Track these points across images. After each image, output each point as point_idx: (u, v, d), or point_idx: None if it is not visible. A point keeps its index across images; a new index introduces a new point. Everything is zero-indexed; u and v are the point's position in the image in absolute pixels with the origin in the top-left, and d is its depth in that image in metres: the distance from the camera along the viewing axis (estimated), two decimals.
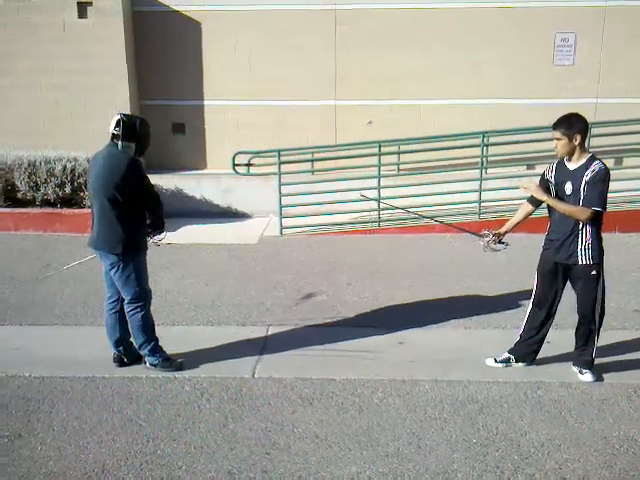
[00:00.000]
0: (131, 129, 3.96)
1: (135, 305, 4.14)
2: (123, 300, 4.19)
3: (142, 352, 4.27)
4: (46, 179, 7.81)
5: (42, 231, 7.74)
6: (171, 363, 4.27)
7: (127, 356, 4.32)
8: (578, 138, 3.81)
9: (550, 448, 3.38)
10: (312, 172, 8.38)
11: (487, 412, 3.73)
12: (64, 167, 7.84)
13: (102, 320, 5.04)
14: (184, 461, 3.29)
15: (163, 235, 4.25)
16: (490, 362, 4.29)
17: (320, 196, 7.83)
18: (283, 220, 7.79)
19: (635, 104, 8.50)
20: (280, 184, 7.71)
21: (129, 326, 4.25)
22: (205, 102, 9.02)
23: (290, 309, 5.32)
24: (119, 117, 3.97)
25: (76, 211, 7.79)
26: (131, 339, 4.31)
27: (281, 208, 7.76)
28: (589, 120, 3.99)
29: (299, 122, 8.81)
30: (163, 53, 8.87)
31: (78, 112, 8.64)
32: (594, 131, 7.55)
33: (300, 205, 7.80)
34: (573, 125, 3.82)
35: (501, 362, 4.26)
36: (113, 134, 3.98)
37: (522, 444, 3.42)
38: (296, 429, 3.57)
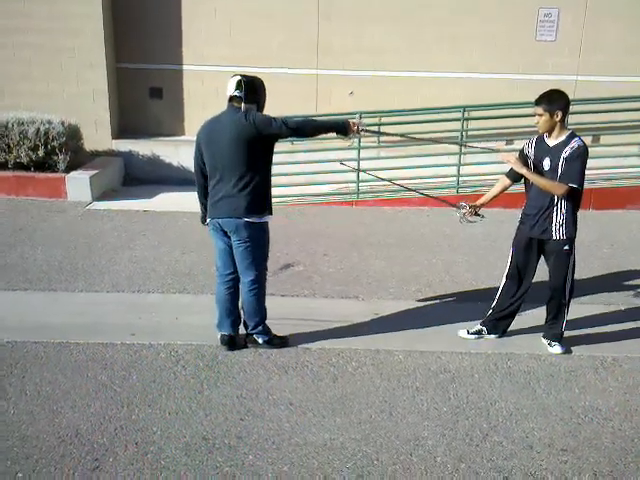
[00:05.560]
0: (253, 90, 3.66)
1: (258, 284, 3.91)
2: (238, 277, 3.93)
3: (254, 331, 4.04)
4: (19, 142, 7.61)
5: (14, 195, 7.57)
6: (280, 339, 4.12)
7: (237, 337, 4.06)
8: (559, 114, 3.83)
9: (518, 417, 3.48)
10: (291, 142, 8.30)
11: (458, 382, 3.81)
12: (37, 130, 7.63)
13: (75, 285, 5.04)
14: (159, 426, 3.30)
15: (351, 135, 3.97)
16: (463, 333, 4.37)
17: (299, 166, 7.79)
18: None
19: (614, 82, 8.55)
20: None
21: (242, 305, 4.00)
22: (184, 67, 8.82)
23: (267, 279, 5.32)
24: (239, 78, 3.65)
25: (50, 175, 7.62)
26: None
27: None
28: (569, 97, 4.01)
29: (280, 90, 8.60)
30: (141, 15, 8.61)
31: (53, 73, 8.39)
32: (573, 108, 7.58)
33: (278, 175, 7.71)
34: (555, 101, 3.83)
35: (473, 334, 4.34)
36: (234, 97, 3.68)
37: (491, 413, 3.51)
38: (271, 396, 3.61)
